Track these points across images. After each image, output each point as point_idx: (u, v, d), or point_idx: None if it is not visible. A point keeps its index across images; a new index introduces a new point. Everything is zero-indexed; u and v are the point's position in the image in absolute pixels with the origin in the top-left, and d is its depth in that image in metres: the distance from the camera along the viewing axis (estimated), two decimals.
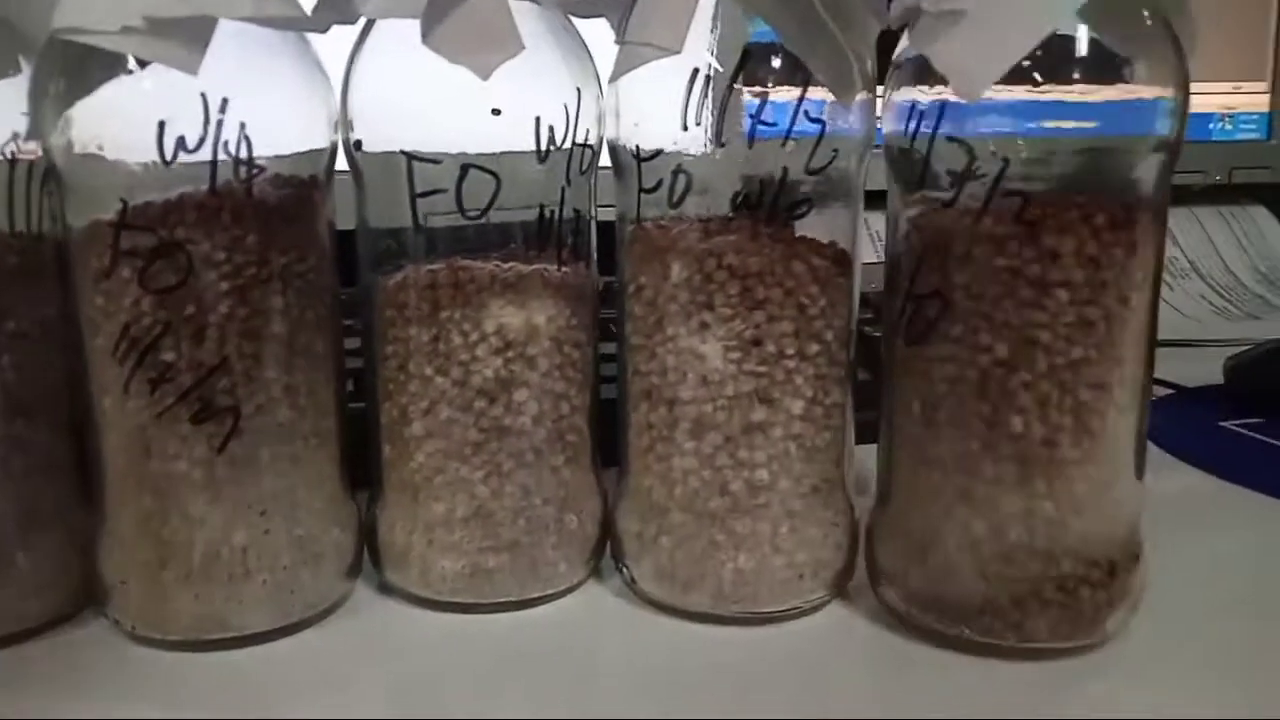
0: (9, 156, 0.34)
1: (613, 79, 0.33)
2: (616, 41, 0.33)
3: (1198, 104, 0.78)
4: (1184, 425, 0.54)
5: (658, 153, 0.34)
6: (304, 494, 0.35)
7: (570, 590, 0.38)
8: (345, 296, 0.36)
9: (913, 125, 0.32)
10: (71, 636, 0.35)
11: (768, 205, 0.33)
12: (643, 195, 0.34)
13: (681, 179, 0.33)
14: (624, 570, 0.37)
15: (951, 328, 0.32)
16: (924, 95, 0.32)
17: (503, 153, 0.34)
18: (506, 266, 0.35)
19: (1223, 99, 0.86)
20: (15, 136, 0.34)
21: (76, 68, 0.31)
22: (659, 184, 0.34)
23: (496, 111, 0.33)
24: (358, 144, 0.35)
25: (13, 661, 0.34)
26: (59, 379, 0.35)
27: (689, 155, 0.33)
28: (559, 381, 0.36)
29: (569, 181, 0.35)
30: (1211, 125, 0.86)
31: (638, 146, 0.34)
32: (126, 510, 0.34)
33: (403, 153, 0.34)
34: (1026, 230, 0.31)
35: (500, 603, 0.36)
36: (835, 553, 0.36)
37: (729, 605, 0.35)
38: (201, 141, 0.30)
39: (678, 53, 0.31)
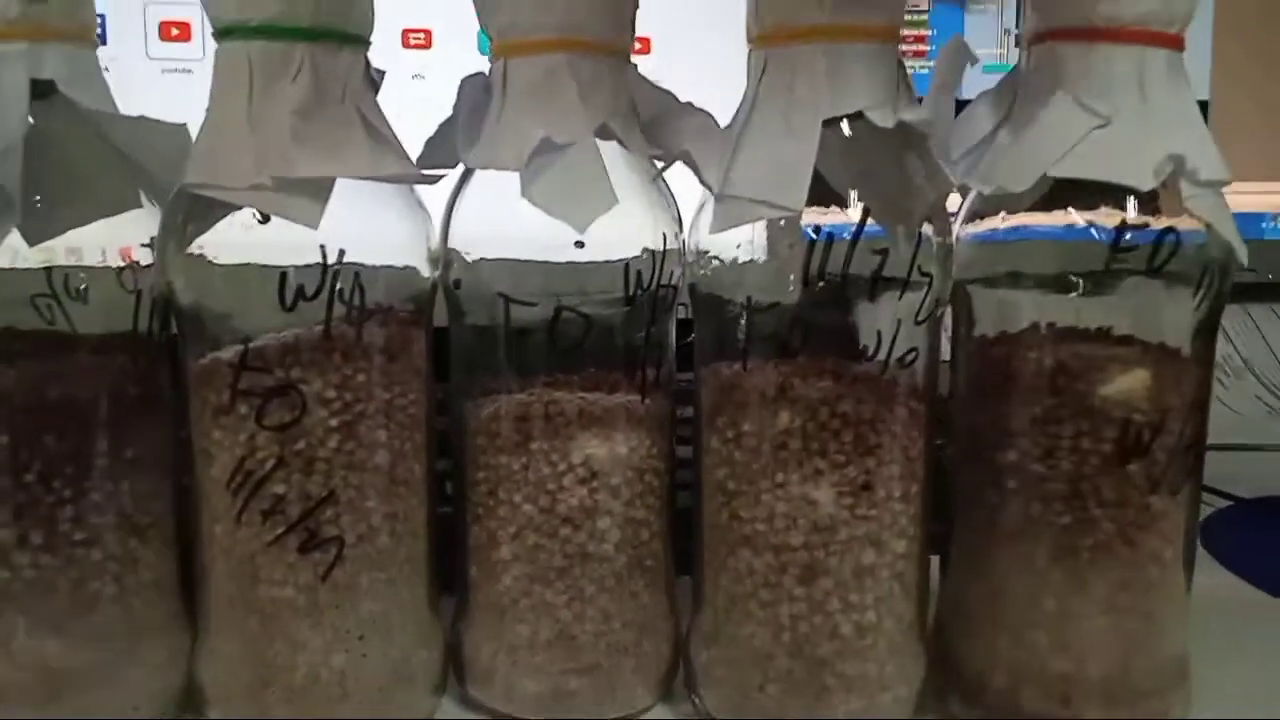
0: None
1: (716, 231, 0.34)
2: (717, 193, 0.34)
3: (1249, 204, 0.79)
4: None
5: (774, 305, 0.34)
6: (398, 617, 0.36)
7: (645, 711, 0.38)
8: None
9: None
10: None
11: (885, 354, 0.34)
12: (755, 344, 0.35)
13: (799, 329, 0.34)
14: (697, 702, 0.38)
15: None
16: None
17: (593, 296, 0.35)
18: (593, 399, 0.36)
19: (1274, 199, 0.87)
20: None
21: (202, 214, 0.33)
22: (773, 333, 0.34)
23: (580, 244, 0.34)
24: (457, 283, 0.36)
25: None
26: (168, 501, 0.37)
27: (803, 306, 0.34)
28: (639, 509, 0.37)
29: (653, 320, 0.36)
30: (1264, 225, 0.87)
31: (749, 298, 0.34)
32: (232, 631, 0.35)
33: (500, 295, 0.35)
34: None
35: None
36: (923, 681, 0.37)
37: None
38: (319, 290, 0.32)
39: (798, 213, 0.32)
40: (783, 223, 0.34)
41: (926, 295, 0.34)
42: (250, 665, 0.35)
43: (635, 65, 0.36)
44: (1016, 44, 0.68)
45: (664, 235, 0.36)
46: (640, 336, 0.36)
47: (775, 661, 0.35)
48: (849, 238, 0.33)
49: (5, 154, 0.32)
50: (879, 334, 0.33)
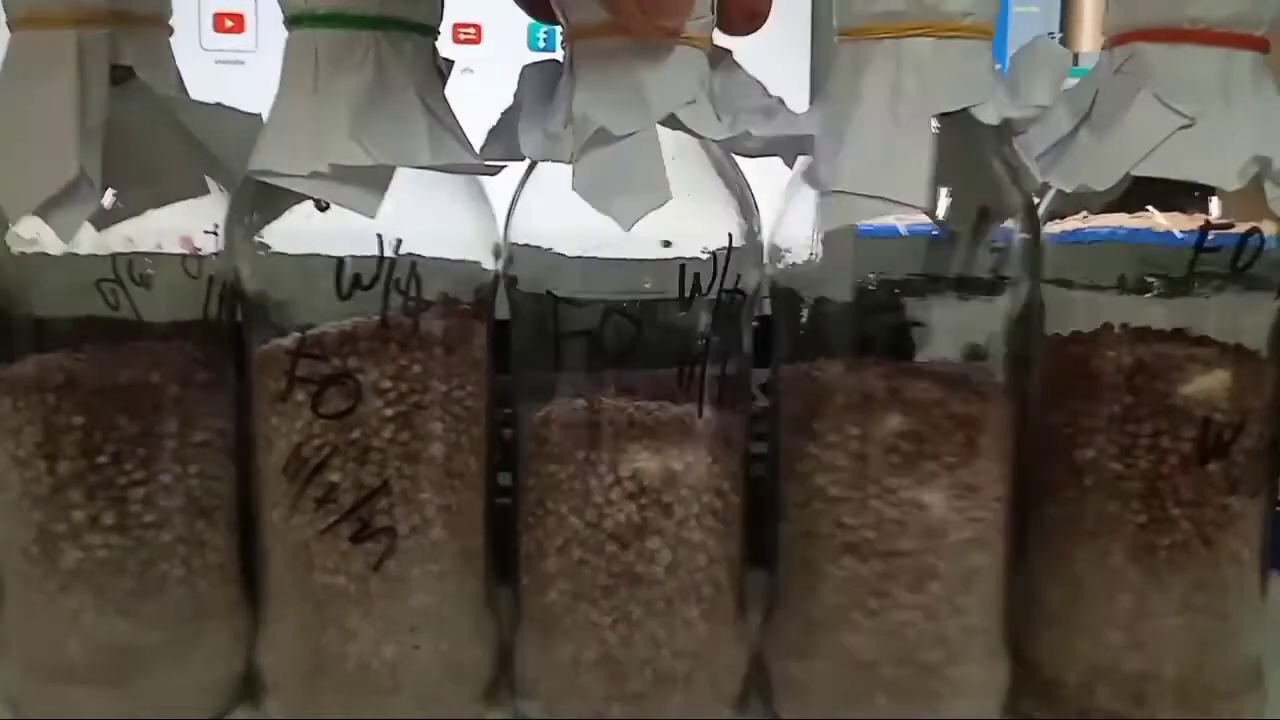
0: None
1: (828, 228, 0.33)
2: (824, 190, 0.32)
3: None
4: None
5: (897, 305, 0.33)
6: (451, 611, 0.36)
7: None
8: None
9: None
10: None
11: (1004, 353, 0.34)
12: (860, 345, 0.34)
13: (915, 331, 0.33)
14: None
15: None
16: None
17: (648, 298, 0.34)
18: (647, 409, 0.34)
19: None
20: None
21: (269, 201, 0.33)
22: (888, 334, 0.34)
23: (667, 244, 0.33)
24: (513, 280, 0.36)
25: None
26: (231, 485, 0.37)
27: (925, 307, 0.33)
28: (696, 531, 0.35)
29: (715, 328, 0.34)
30: None
31: (862, 295, 0.34)
32: (287, 617, 0.35)
33: (549, 293, 0.34)
34: None
35: None
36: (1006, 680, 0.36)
37: None
38: (375, 279, 0.32)
39: (927, 209, 0.31)
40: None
41: (1022, 295, 0.33)
42: (304, 652, 0.35)
43: (731, 53, 0.35)
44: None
45: (729, 235, 0.34)
46: (699, 344, 0.34)
47: (882, 670, 0.34)
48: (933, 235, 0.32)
49: (88, 139, 0.32)
50: (990, 335, 0.33)
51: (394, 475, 0.34)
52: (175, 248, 0.36)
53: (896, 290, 0.33)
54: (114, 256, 0.35)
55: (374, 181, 0.31)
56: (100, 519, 0.35)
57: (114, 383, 0.35)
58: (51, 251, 0.34)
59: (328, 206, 0.32)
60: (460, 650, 0.36)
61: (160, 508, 0.35)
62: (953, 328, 0.33)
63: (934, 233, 0.33)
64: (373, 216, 0.31)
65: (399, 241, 0.32)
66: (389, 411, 0.33)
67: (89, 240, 0.34)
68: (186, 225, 0.36)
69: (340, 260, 0.32)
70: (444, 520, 0.35)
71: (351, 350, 0.33)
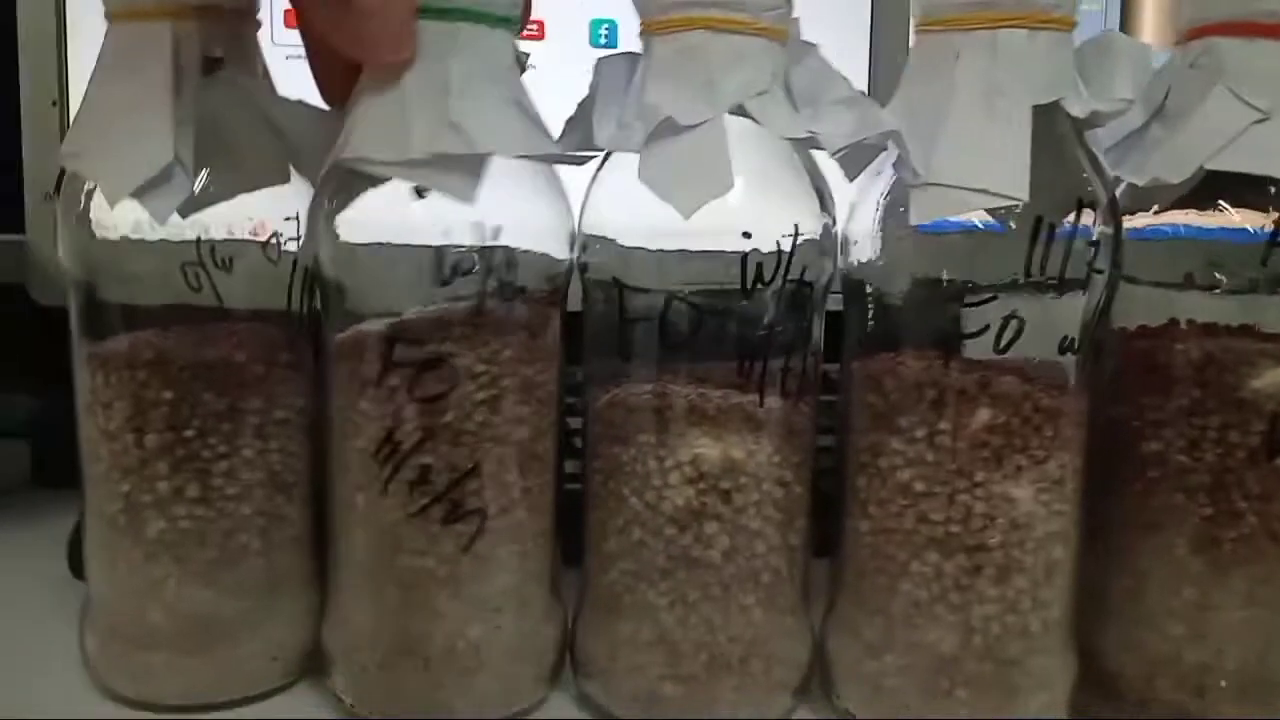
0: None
1: (920, 220, 0.33)
2: (917, 183, 0.33)
3: None
4: None
5: (992, 298, 0.33)
6: (530, 591, 0.37)
7: None
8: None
9: None
10: (295, 702, 0.38)
11: (1088, 345, 0.34)
12: (965, 340, 0.34)
13: (1013, 324, 0.33)
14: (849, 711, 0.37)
15: None
16: None
17: (712, 284, 0.34)
18: (711, 396, 0.35)
19: None
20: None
21: (353, 189, 0.34)
22: (985, 328, 0.33)
23: (747, 235, 0.34)
24: (584, 267, 0.37)
25: None
26: (307, 462, 0.38)
27: (1018, 301, 0.33)
28: (755, 519, 0.35)
29: (780, 318, 0.35)
30: None
31: (961, 290, 0.33)
32: (368, 599, 0.36)
33: (614, 280, 0.35)
34: None
35: None
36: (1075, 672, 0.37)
37: None
38: (475, 265, 0.33)
39: (1025, 201, 0.31)
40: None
41: (1106, 288, 0.34)
42: (386, 634, 0.36)
43: (816, 46, 0.35)
44: None
45: (795, 226, 0.34)
46: (762, 333, 0.35)
47: (964, 665, 0.34)
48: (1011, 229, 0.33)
49: (181, 126, 0.33)
50: (1084, 326, 0.34)
51: (484, 457, 0.34)
52: (248, 235, 0.37)
53: (970, 284, 0.33)
54: (198, 241, 0.35)
55: (471, 169, 0.32)
56: (185, 490, 0.36)
57: (201, 360, 0.35)
58: (136, 236, 0.35)
59: (424, 194, 0.33)
60: (536, 630, 0.37)
61: (241, 481, 0.36)
62: (1046, 321, 0.33)
63: (1008, 226, 0.33)
64: (471, 203, 0.32)
65: (499, 229, 0.33)
66: (481, 395, 0.34)
67: (175, 225, 0.35)
68: (265, 213, 0.37)
69: (440, 247, 0.33)
70: (526, 502, 0.36)
71: (446, 335, 0.33)
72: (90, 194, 0.35)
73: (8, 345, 0.60)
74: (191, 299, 0.36)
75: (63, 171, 0.36)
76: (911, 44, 0.35)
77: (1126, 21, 0.65)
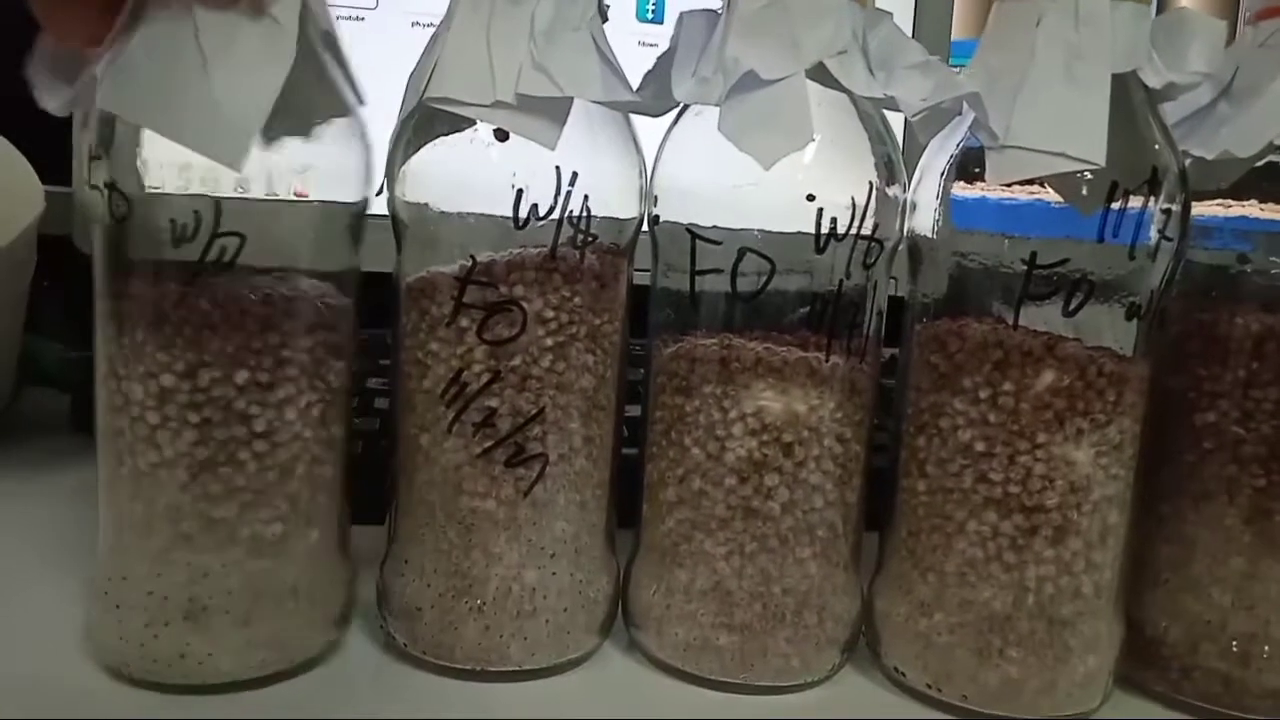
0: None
1: (999, 182, 0.34)
2: (996, 146, 0.33)
3: None
4: None
5: (1063, 261, 0.34)
6: (586, 540, 0.37)
7: (797, 689, 0.37)
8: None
9: None
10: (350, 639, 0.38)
11: (1153, 313, 0.35)
12: (1027, 303, 0.34)
13: (1084, 288, 0.34)
14: (898, 670, 0.37)
15: None
16: None
17: (785, 238, 0.35)
18: (777, 350, 0.36)
19: None
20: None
21: (431, 131, 0.34)
22: (1055, 291, 0.34)
23: (811, 197, 0.34)
24: (656, 218, 0.37)
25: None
26: (345, 424, 0.36)
27: (1091, 267, 0.34)
28: (815, 473, 0.36)
29: (848, 274, 0.35)
30: None
31: (1033, 253, 0.34)
32: (428, 540, 0.36)
33: (688, 229, 0.35)
34: None
35: (724, 682, 0.37)
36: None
37: (1078, 706, 0.36)
38: (552, 210, 0.33)
39: (1102, 166, 0.32)
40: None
41: (1172, 258, 0.34)
42: (444, 575, 0.36)
43: (890, 15, 0.36)
44: None
45: (870, 184, 0.35)
46: (829, 290, 0.35)
47: (1016, 624, 0.35)
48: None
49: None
50: (1152, 292, 0.34)
51: (549, 404, 0.35)
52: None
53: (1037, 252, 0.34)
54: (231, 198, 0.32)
55: (554, 114, 0.32)
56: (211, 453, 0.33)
57: (249, 311, 0.33)
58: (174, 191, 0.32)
59: (507, 137, 0.33)
60: (590, 580, 0.37)
61: (272, 440, 0.34)
62: (1115, 287, 0.34)
63: (1080, 193, 0.33)
64: (553, 148, 0.32)
65: (575, 175, 0.33)
66: (549, 341, 0.34)
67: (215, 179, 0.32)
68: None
69: (520, 189, 0.33)
70: (588, 451, 0.36)
71: (519, 279, 0.34)
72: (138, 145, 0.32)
73: (54, 295, 0.61)
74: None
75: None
76: (990, 12, 0.35)
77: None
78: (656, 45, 0.37)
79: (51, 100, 0.33)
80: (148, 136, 0.32)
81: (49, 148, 0.57)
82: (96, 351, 0.34)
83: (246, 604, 0.34)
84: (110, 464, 0.34)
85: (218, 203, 0.32)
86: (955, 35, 0.71)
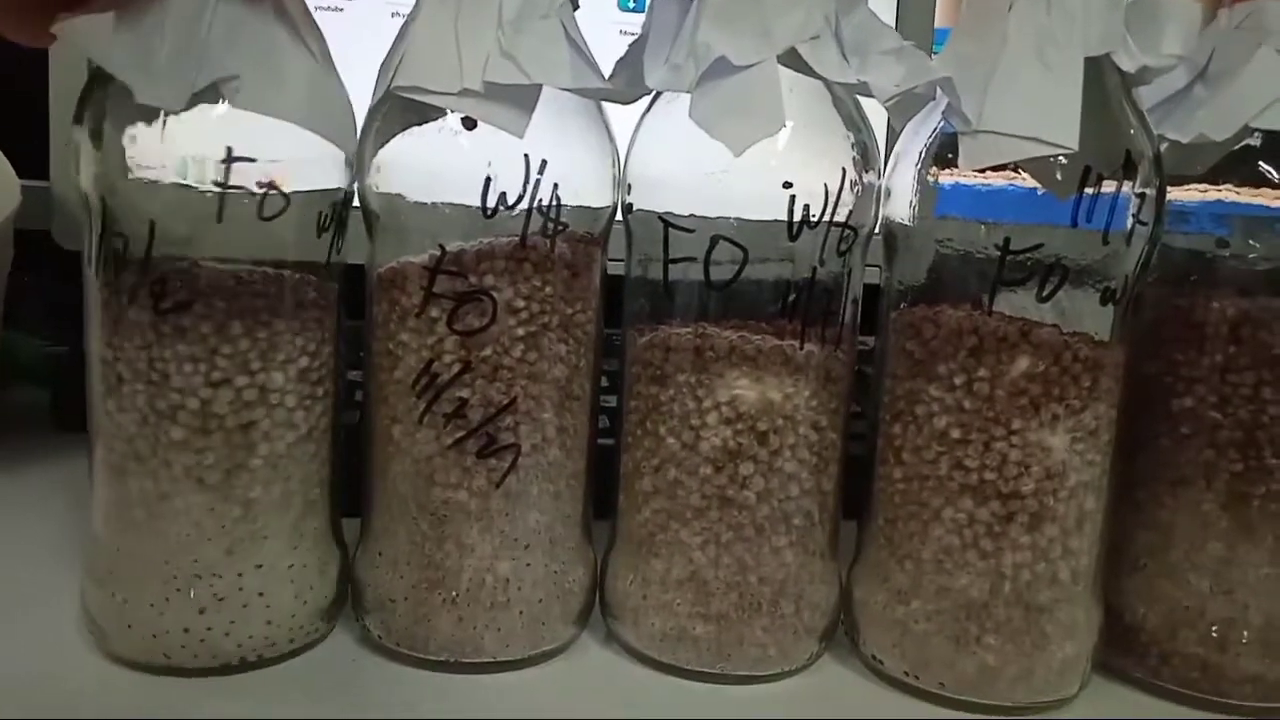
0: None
1: (971, 167, 0.33)
2: (968, 130, 0.33)
3: None
4: None
5: (1037, 246, 0.33)
6: (561, 531, 0.37)
7: (774, 678, 0.37)
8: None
9: None
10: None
11: (1128, 298, 0.34)
12: (1002, 289, 0.34)
13: (1058, 273, 0.33)
14: (875, 658, 0.37)
15: None
16: None
17: (756, 225, 0.35)
18: (751, 338, 0.35)
19: None
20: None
21: (401, 121, 0.34)
22: (1029, 276, 0.34)
23: (788, 184, 0.34)
24: (629, 207, 0.37)
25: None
26: (331, 412, 0.37)
27: (1066, 251, 0.33)
28: (790, 461, 0.36)
29: (822, 261, 0.35)
30: None
31: (1006, 238, 0.34)
32: (401, 533, 0.36)
33: (660, 218, 0.35)
34: None
35: (701, 671, 0.37)
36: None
37: (1055, 692, 0.36)
38: (520, 198, 0.33)
39: (1075, 150, 0.32)
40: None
41: (1147, 242, 0.34)
42: (417, 567, 0.36)
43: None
44: None
45: (843, 170, 0.35)
46: (804, 278, 0.35)
47: (993, 611, 0.35)
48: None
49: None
50: (1126, 278, 0.34)
51: (521, 394, 0.34)
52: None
53: (1011, 237, 0.33)
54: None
55: (522, 102, 0.32)
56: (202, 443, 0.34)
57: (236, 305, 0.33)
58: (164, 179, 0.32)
59: (475, 125, 0.33)
60: (565, 571, 0.37)
61: (263, 431, 0.34)
62: (1090, 272, 0.34)
63: (1055, 178, 0.33)
64: (521, 136, 0.32)
65: (544, 163, 0.33)
66: (520, 331, 0.34)
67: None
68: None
69: (488, 177, 0.33)
70: (561, 441, 0.36)
71: (489, 268, 0.34)
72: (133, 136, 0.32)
73: (32, 290, 0.60)
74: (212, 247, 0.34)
75: (84, 97, 0.33)
76: None
77: None
78: (637, 35, 0.36)
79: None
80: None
81: (25, 142, 0.57)
82: (89, 341, 0.34)
83: (245, 593, 0.34)
84: (108, 452, 0.34)
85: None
86: (938, 23, 0.70)
